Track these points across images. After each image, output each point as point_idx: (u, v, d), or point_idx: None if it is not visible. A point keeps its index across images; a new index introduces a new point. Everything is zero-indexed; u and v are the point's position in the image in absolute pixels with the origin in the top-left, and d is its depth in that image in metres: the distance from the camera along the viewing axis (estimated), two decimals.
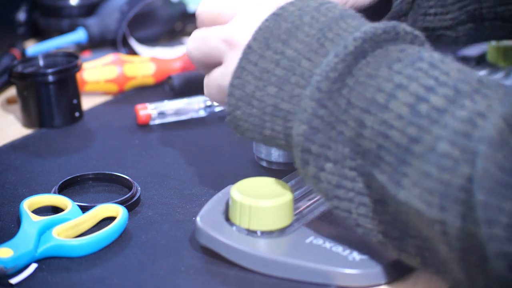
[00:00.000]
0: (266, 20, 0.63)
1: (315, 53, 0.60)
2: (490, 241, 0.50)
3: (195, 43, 0.68)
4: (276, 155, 0.78)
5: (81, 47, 1.11)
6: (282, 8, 0.63)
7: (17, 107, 0.93)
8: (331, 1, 0.64)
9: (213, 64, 0.68)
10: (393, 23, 0.60)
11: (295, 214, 0.67)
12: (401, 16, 0.76)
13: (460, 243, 0.53)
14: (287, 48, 0.62)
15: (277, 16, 0.63)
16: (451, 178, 0.52)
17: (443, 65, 0.57)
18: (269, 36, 0.62)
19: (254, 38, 0.63)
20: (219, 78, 0.67)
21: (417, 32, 0.61)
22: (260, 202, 0.64)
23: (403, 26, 0.60)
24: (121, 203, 0.71)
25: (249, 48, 0.63)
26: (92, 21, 1.09)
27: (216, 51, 0.66)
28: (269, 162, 0.78)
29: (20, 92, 0.90)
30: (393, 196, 0.56)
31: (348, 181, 0.59)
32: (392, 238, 0.59)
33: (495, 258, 0.50)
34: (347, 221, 0.60)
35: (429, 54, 0.58)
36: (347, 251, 0.63)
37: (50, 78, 0.89)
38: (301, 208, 0.69)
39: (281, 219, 0.64)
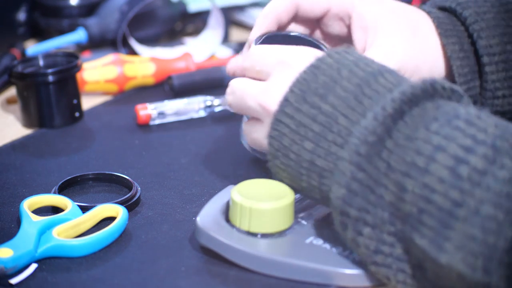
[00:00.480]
0: (304, 72, 0.63)
1: (352, 110, 0.60)
2: None
3: (235, 99, 0.70)
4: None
5: (81, 47, 1.11)
6: (321, 59, 0.63)
7: (17, 107, 0.93)
8: (369, 57, 0.64)
9: (254, 117, 0.69)
10: (431, 79, 0.60)
11: (296, 217, 0.67)
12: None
13: None
14: (324, 103, 0.61)
15: (315, 68, 0.63)
16: (496, 241, 0.52)
17: (480, 122, 0.56)
18: (306, 89, 0.62)
19: (291, 90, 0.63)
20: (262, 139, 0.68)
21: (455, 87, 0.61)
22: (260, 205, 0.64)
23: (441, 82, 0.60)
24: (121, 203, 0.71)
25: (286, 101, 0.63)
26: (92, 21, 1.09)
27: (252, 112, 0.68)
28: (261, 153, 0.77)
29: (20, 92, 0.90)
30: (434, 260, 0.55)
31: (387, 247, 0.58)
32: None
33: None
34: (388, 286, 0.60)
35: (465, 110, 0.58)
36: (347, 252, 0.63)
37: (50, 78, 0.89)
38: (302, 211, 0.69)
39: (281, 222, 0.64)
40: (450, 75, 0.75)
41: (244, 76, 0.70)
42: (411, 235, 0.57)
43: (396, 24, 0.73)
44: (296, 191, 0.65)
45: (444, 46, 0.74)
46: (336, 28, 0.77)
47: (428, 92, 0.59)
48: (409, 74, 0.72)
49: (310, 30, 0.78)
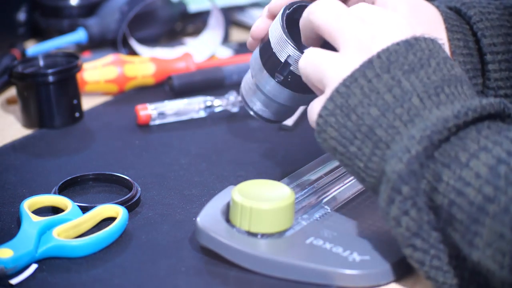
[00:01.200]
0: (397, 44, 0.62)
1: (428, 97, 0.60)
2: None
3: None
4: (258, 107, 0.75)
5: (81, 47, 1.11)
6: (416, 39, 0.62)
7: (17, 107, 0.93)
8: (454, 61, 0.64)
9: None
10: (502, 102, 0.60)
11: (296, 217, 0.67)
12: None
13: None
14: (405, 79, 0.61)
15: (408, 45, 0.62)
16: None
17: None
18: (394, 61, 0.61)
19: (379, 55, 0.62)
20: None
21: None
22: (261, 205, 0.64)
23: (509, 109, 0.60)
24: (121, 203, 0.71)
25: (369, 63, 0.61)
26: (92, 21, 1.09)
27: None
28: (257, 115, 0.76)
29: (20, 92, 0.90)
30: (467, 255, 0.56)
31: (425, 232, 0.58)
32: None
33: None
34: (419, 272, 0.60)
35: None
36: (347, 252, 0.63)
37: (50, 78, 0.89)
38: (302, 211, 0.69)
39: (281, 222, 0.64)
40: None
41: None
42: (444, 228, 0.57)
43: (416, 19, 0.73)
44: (335, 155, 0.63)
45: (449, 41, 0.75)
46: None
47: (497, 113, 0.60)
48: None
49: None
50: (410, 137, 0.59)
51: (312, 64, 0.65)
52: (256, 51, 0.73)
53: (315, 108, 0.64)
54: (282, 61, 0.70)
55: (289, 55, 0.69)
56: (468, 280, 0.59)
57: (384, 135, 0.60)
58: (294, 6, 0.71)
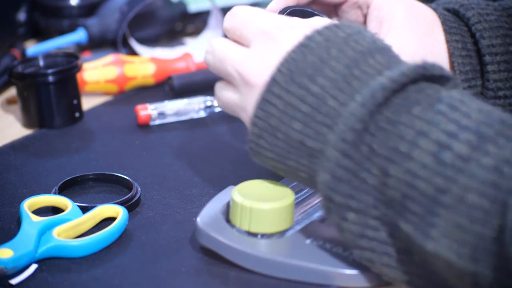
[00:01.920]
0: (293, 51, 0.61)
1: (341, 92, 0.59)
2: None
3: (213, 60, 0.67)
4: None
5: (81, 47, 1.11)
6: (310, 38, 0.62)
7: (17, 107, 0.93)
8: (362, 30, 0.62)
9: (228, 81, 0.67)
10: (424, 64, 0.59)
11: (296, 217, 0.67)
12: None
13: None
14: (313, 84, 0.60)
15: (304, 48, 0.61)
16: (482, 230, 0.52)
17: (463, 106, 0.56)
18: (295, 69, 0.61)
19: (279, 70, 0.61)
20: (233, 103, 0.66)
21: (448, 74, 0.60)
22: (261, 205, 0.64)
23: (433, 70, 0.59)
24: (121, 203, 0.71)
25: (273, 81, 0.61)
26: (92, 21, 1.09)
27: (230, 78, 0.65)
28: None
29: (20, 92, 0.90)
30: (420, 246, 0.55)
31: (371, 231, 0.58)
32: (417, 286, 0.59)
33: None
34: (372, 270, 0.60)
35: (448, 93, 0.57)
36: (347, 252, 0.63)
37: (50, 78, 0.89)
38: (302, 211, 0.69)
39: (281, 222, 0.64)
40: (452, 72, 0.75)
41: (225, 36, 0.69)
42: (396, 220, 0.57)
43: (412, 21, 0.74)
44: (278, 171, 0.64)
45: (447, 43, 0.75)
46: (353, 16, 0.77)
47: (416, 76, 0.58)
48: None
49: (327, 15, 0.78)
50: (329, 144, 0.58)
51: (218, 58, 0.66)
52: None
53: (226, 97, 0.67)
54: None
55: None
56: (417, 275, 0.58)
57: (315, 145, 0.60)
58: (288, 11, 0.72)
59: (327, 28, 0.62)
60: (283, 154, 0.62)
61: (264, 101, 0.62)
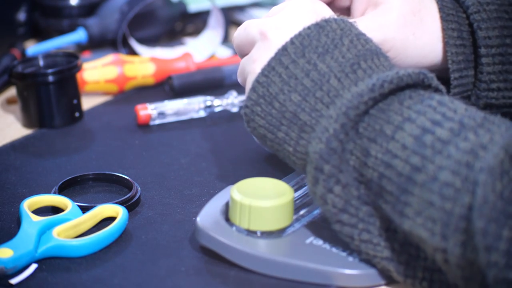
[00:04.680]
0: (308, 28, 0.64)
1: (346, 76, 0.62)
2: (489, 267, 0.51)
3: (239, 30, 0.70)
4: None
5: (81, 47, 1.11)
6: (326, 21, 0.64)
7: (17, 107, 0.93)
8: (369, 37, 0.65)
9: (247, 52, 0.69)
10: (422, 73, 0.61)
11: (295, 215, 0.67)
12: (463, 92, 0.76)
13: (461, 271, 0.53)
14: (321, 62, 0.63)
15: (319, 28, 0.64)
16: (452, 207, 0.53)
17: (452, 104, 0.58)
18: (307, 45, 0.63)
19: (292, 41, 0.64)
20: (243, 64, 0.68)
21: (440, 87, 0.62)
22: (260, 202, 0.64)
23: (429, 80, 0.61)
24: (121, 203, 0.71)
25: (283, 50, 0.64)
26: (92, 21, 1.09)
27: (250, 39, 0.68)
28: None
29: (20, 92, 0.90)
30: (398, 225, 0.57)
31: (353, 208, 0.60)
32: (399, 263, 0.59)
33: (494, 285, 0.51)
34: (350, 246, 0.61)
35: (440, 96, 0.59)
36: (347, 252, 0.63)
37: (50, 78, 0.89)
38: (301, 209, 0.69)
39: (281, 220, 0.65)
40: (445, 60, 0.75)
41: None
42: (375, 201, 0.58)
43: (399, 1, 0.74)
44: (266, 141, 0.65)
45: (443, 30, 0.75)
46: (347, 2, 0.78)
47: (417, 81, 0.61)
48: (394, 52, 0.73)
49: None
50: (328, 116, 0.60)
51: (244, 27, 0.69)
52: None
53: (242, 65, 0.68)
54: None
55: None
56: (399, 252, 0.59)
57: (308, 119, 0.62)
58: None
59: (342, 20, 0.65)
60: (274, 124, 0.64)
61: (270, 68, 0.64)
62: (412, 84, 0.60)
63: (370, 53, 0.63)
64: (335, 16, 0.65)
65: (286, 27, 0.65)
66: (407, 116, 0.58)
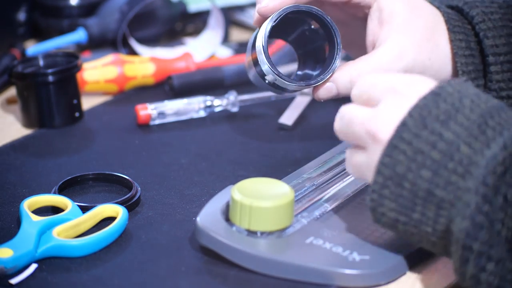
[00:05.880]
0: (424, 97, 0.60)
1: (475, 139, 0.58)
2: None
3: (342, 125, 0.64)
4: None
5: (81, 47, 1.11)
6: (441, 87, 0.60)
7: (17, 107, 0.93)
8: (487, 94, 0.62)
9: (357, 145, 0.64)
10: None
11: (295, 215, 0.67)
12: None
13: None
14: (446, 130, 0.59)
15: (435, 96, 0.60)
16: None
17: None
18: (427, 115, 0.59)
19: (410, 115, 0.59)
20: (361, 165, 0.63)
21: None
22: (260, 203, 0.64)
23: None
24: (121, 203, 0.71)
25: (403, 125, 0.59)
26: (92, 21, 1.09)
27: (359, 140, 0.63)
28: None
29: (20, 92, 0.90)
30: None
31: (509, 283, 0.56)
32: None
33: None
34: None
35: None
36: (347, 252, 0.63)
37: (50, 78, 0.89)
38: (301, 209, 0.69)
39: (281, 220, 0.65)
40: (455, 72, 0.75)
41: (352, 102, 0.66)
42: None
43: (413, 24, 0.73)
44: (397, 226, 0.60)
45: (451, 42, 0.74)
46: (353, 14, 0.77)
47: None
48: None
49: (328, 15, 0.76)
50: (466, 190, 0.57)
51: (345, 121, 0.64)
52: (249, 44, 0.75)
53: (355, 160, 0.63)
54: (266, 79, 0.73)
55: (268, 75, 0.72)
56: None
57: (444, 195, 0.58)
58: (280, 17, 0.72)
59: (456, 82, 0.61)
60: (407, 205, 0.59)
61: (392, 147, 0.60)
62: None
63: (496, 109, 0.59)
64: (451, 81, 0.61)
65: (393, 119, 0.60)
66: None
